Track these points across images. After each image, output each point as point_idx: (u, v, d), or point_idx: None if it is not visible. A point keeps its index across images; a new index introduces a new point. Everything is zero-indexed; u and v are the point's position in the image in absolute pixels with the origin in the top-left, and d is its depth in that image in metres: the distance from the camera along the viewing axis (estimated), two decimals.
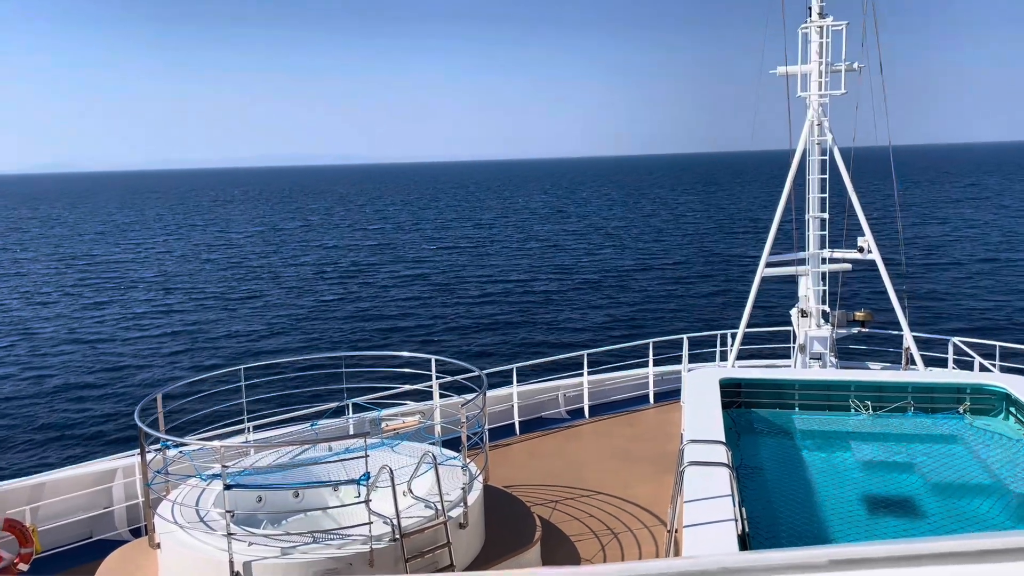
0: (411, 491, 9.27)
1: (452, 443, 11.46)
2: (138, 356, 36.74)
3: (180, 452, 10.72)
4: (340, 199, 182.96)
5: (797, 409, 13.47)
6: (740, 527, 8.02)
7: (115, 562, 9.43)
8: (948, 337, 17.43)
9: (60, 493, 11.24)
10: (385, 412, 13.54)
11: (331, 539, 8.49)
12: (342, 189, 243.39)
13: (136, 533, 11.28)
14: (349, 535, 8.50)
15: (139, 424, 9.11)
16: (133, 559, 9.44)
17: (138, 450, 9.94)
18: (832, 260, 17.10)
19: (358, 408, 13.33)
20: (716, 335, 18.41)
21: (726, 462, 9.14)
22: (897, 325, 16.53)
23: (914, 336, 16.33)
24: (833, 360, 16.70)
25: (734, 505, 8.33)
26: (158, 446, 9.90)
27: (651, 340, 17.38)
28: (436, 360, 12.61)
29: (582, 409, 16.31)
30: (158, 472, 9.61)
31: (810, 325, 16.87)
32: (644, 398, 17.06)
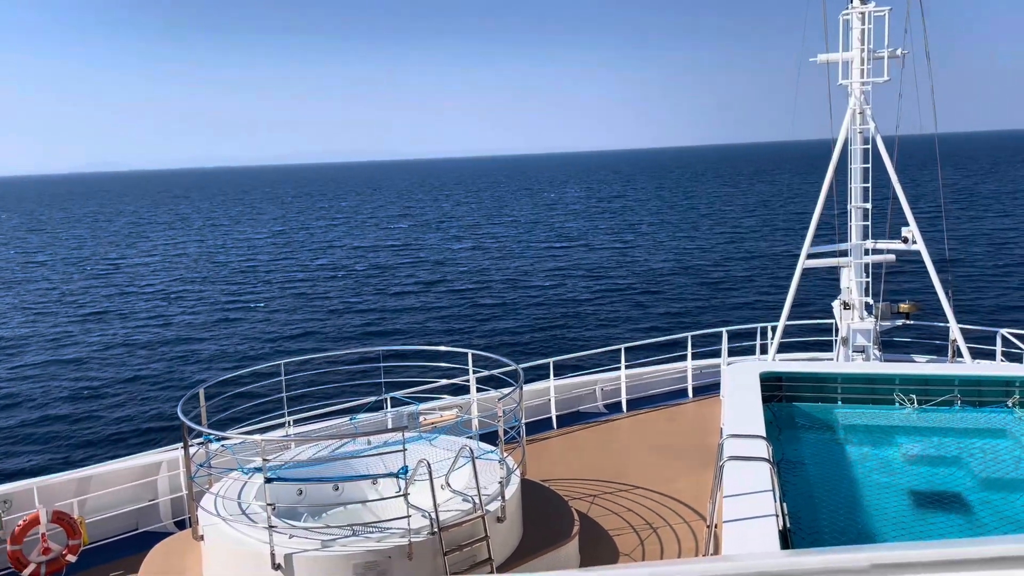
0: (449, 485, 9.29)
1: (489, 437, 11.46)
2: (181, 352, 37.42)
3: (222, 446, 10.87)
4: (374, 194, 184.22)
5: (840, 403, 13.25)
6: (781, 523, 7.91)
7: (160, 554, 9.61)
8: (996, 329, 17.00)
9: (107, 486, 11.48)
10: (423, 406, 13.61)
11: (370, 532, 8.54)
12: (377, 185, 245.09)
13: (180, 525, 11.47)
14: (388, 528, 8.55)
15: (182, 418, 9.26)
16: (177, 551, 9.61)
17: (182, 444, 10.11)
18: (875, 251, 16.78)
19: (396, 402, 13.41)
20: (756, 328, 18.17)
21: (767, 457, 9.02)
22: (943, 317, 16.17)
23: (961, 328, 15.96)
24: (877, 353, 16.40)
25: (775, 501, 8.21)
26: (201, 440, 10.05)
27: (690, 333, 17.21)
28: (473, 354, 12.63)
29: (620, 403, 16.21)
30: (201, 465, 9.75)
31: (853, 317, 16.58)
32: (683, 392, 16.91)
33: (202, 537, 9.16)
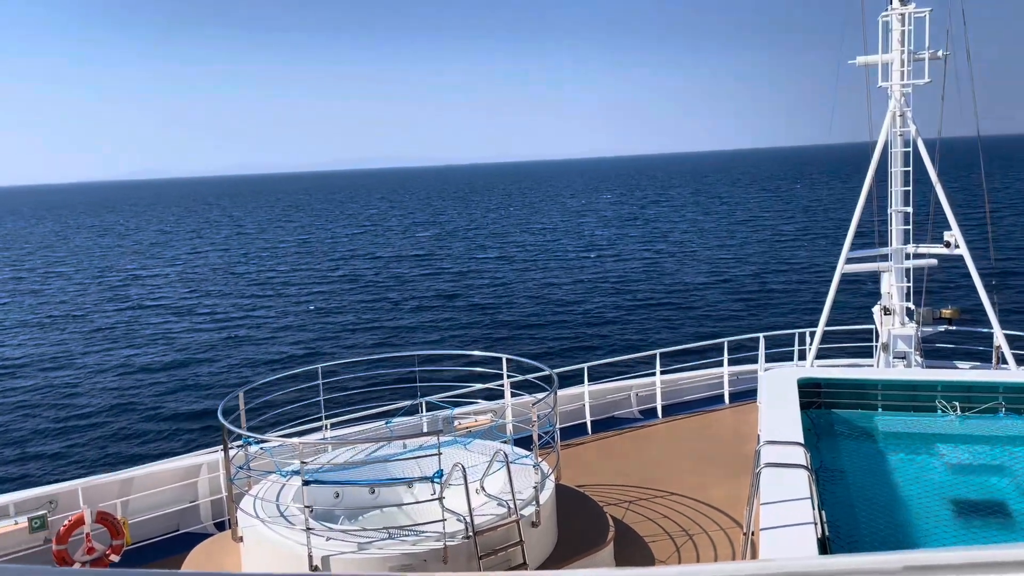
0: (483, 489, 9.32)
1: (524, 442, 11.48)
2: (221, 356, 38.00)
3: (261, 448, 11.03)
4: (407, 201, 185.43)
5: (880, 410, 13.04)
6: (820, 531, 7.81)
7: (200, 555, 9.76)
8: None
9: (149, 487, 11.70)
10: (457, 410, 13.67)
11: (406, 535, 8.60)
12: (412, 191, 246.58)
13: (220, 527, 11.65)
14: (423, 532, 8.60)
15: (222, 421, 9.41)
16: (217, 552, 9.76)
17: (221, 446, 10.27)
18: (917, 255, 16.50)
19: (431, 406, 13.48)
20: (794, 334, 17.95)
21: (804, 464, 8.92)
22: (987, 322, 15.84)
23: (1006, 334, 15.62)
24: (918, 359, 16.11)
25: (813, 508, 8.12)
26: (240, 442, 10.20)
27: (726, 339, 17.06)
28: (507, 359, 12.66)
29: (655, 409, 16.12)
30: (240, 468, 9.90)
31: (893, 323, 16.31)
32: (719, 398, 16.77)
33: (241, 538, 9.30)
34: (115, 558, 10.60)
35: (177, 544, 11.14)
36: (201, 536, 10.87)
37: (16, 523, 10.51)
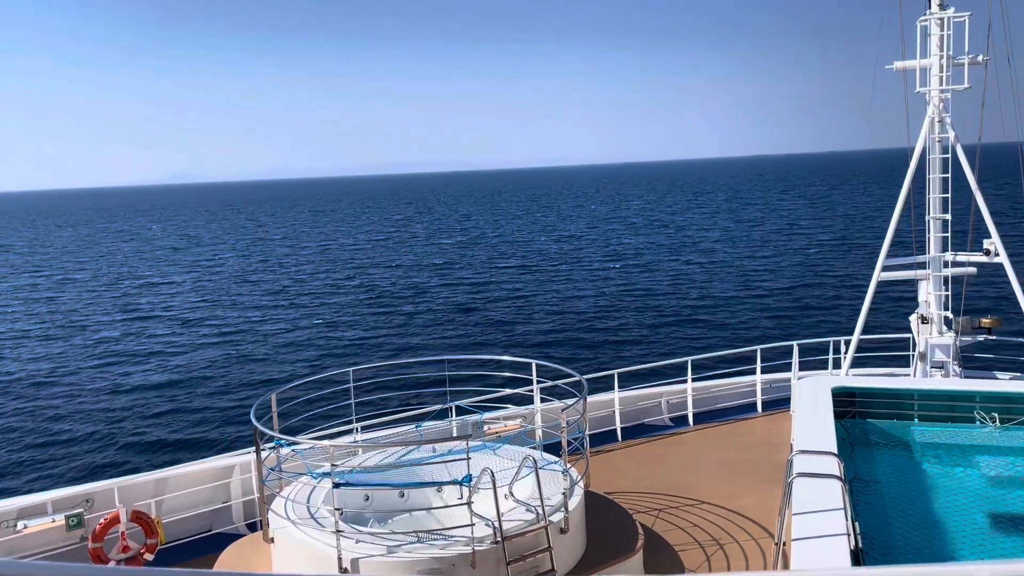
0: (512, 494, 9.32)
1: (553, 448, 11.45)
2: (254, 359, 38.44)
3: (293, 451, 11.13)
4: (440, 206, 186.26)
5: (916, 420, 12.82)
6: (853, 542, 7.70)
7: (232, 555, 9.87)
8: None
9: (183, 487, 11.86)
10: (487, 415, 13.69)
11: (435, 539, 8.62)
12: (449, 196, 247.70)
13: (252, 527, 11.77)
14: (452, 536, 8.62)
15: (255, 423, 9.51)
16: (248, 553, 9.86)
17: (254, 448, 10.39)
18: (956, 264, 16.20)
19: (461, 411, 13.51)
20: (829, 342, 17.71)
21: (838, 474, 8.80)
22: None
23: None
24: (956, 369, 15.81)
25: (846, 519, 8.00)
26: (272, 444, 10.30)
27: (759, 347, 16.89)
28: (537, 364, 12.64)
29: (686, 416, 16.00)
30: (272, 469, 10.00)
31: (931, 332, 16.03)
32: (751, 406, 16.59)
33: (272, 540, 9.39)
34: (149, 557, 10.75)
35: (209, 544, 11.27)
36: (233, 536, 10.99)
37: (53, 521, 10.71)
